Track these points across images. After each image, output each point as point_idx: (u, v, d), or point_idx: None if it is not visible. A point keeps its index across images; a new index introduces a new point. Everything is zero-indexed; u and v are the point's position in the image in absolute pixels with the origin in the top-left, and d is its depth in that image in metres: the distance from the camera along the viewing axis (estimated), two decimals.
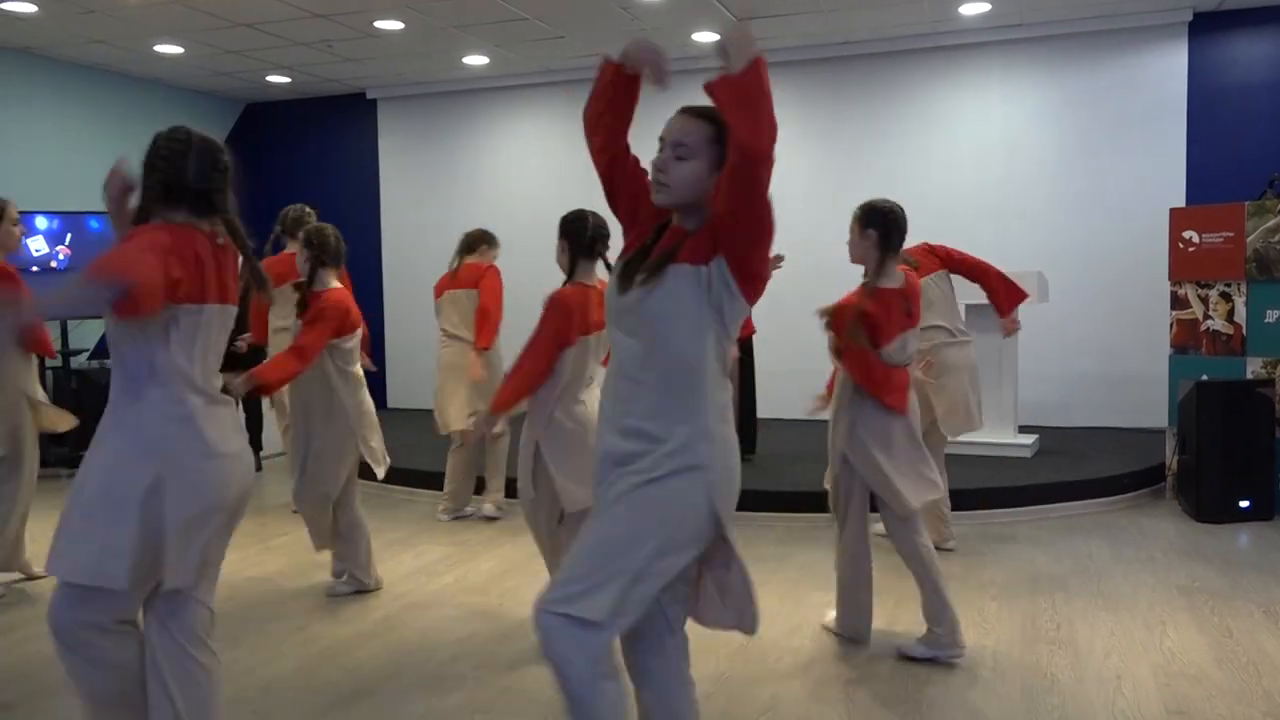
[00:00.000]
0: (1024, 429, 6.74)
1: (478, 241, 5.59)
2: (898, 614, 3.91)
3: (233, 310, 2.42)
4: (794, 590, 4.23)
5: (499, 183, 9.15)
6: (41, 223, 7.11)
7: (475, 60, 8.31)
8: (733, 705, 3.11)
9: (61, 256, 7.14)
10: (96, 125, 8.29)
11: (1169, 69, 7.36)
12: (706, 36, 7.61)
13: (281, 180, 9.75)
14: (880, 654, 3.50)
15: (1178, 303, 5.99)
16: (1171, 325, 6.01)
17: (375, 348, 8.99)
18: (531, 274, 8.98)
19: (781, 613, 3.94)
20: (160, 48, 7.64)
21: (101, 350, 8.08)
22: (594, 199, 9.55)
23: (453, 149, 9.32)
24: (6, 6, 6.50)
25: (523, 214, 9.04)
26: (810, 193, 7.96)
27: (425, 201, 9.42)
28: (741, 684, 3.28)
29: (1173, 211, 6.08)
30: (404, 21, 7.11)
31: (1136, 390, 7.34)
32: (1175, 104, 7.36)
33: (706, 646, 3.55)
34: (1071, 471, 5.83)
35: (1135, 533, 5.12)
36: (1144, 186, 7.41)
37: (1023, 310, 6.65)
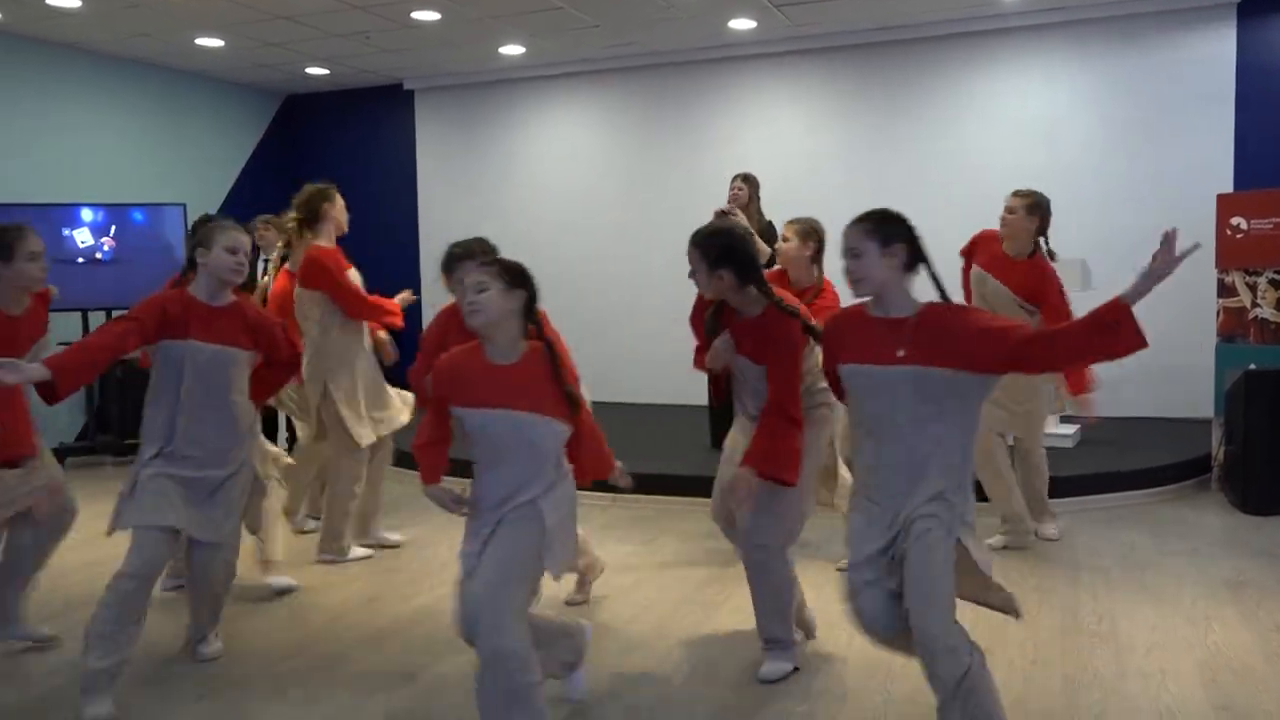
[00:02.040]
0: (1066, 419, 6.64)
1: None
2: None
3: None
4: (828, 584, 4.21)
5: (535, 172, 9.16)
6: (87, 215, 7.22)
7: (511, 50, 8.32)
8: (767, 698, 3.10)
9: (106, 248, 7.25)
10: (140, 118, 8.40)
11: (1217, 52, 7.20)
12: (743, 24, 7.56)
13: (320, 171, 9.80)
14: None
15: (1225, 290, 5.88)
16: (1218, 313, 5.90)
17: (414, 337, 9.05)
18: (565, 263, 9.03)
19: (816, 605, 3.92)
20: (201, 40, 7.73)
21: None
22: (630, 187, 9.48)
23: (489, 139, 9.35)
24: (53, 2, 6.60)
25: (559, 203, 9.06)
26: (848, 180, 7.89)
27: (462, 191, 9.46)
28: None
29: (1220, 197, 5.96)
30: (440, 12, 7.14)
31: (1182, 380, 7.21)
32: (1223, 88, 7.19)
33: (739, 639, 3.55)
34: (1114, 462, 5.75)
35: (1179, 525, 5.03)
36: (1190, 172, 7.26)
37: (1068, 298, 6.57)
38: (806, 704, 3.05)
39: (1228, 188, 7.00)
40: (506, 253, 8.68)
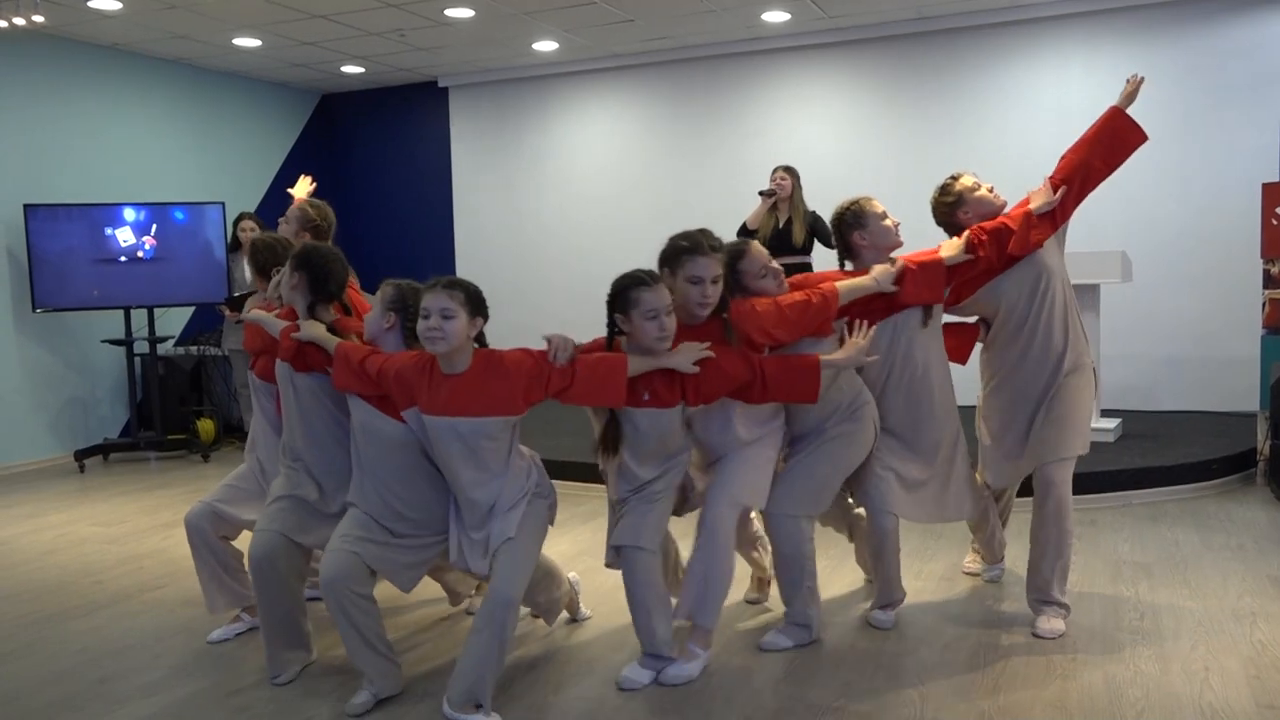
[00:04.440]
0: (1107, 413, 6.56)
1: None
2: (963, 594, 3.84)
3: None
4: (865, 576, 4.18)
5: (569, 167, 9.18)
6: (129, 214, 7.34)
7: (545, 46, 8.34)
8: (804, 688, 3.09)
9: (148, 247, 7.37)
10: (179, 119, 8.52)
11: (1264, 38, 7.06)
12: (776, 16, 7.52)
13: (357, 169, 9.93)
14: (956, 640, 3.45)
15: (1271, 281, 5.78)
16: (1264, 305, 5.80)
17: None
18: (600, 258, 9.03)
19: (855, 597, 3.90)
20: (239, 41, 7.82)
21: (186, 337, 8.33)
22: (664, 181, 9.44)
23: (524, 135, 9.38)
24: (93, 4, 6.70)
25: (593, 198, 9.07)
26: (890, 169, 7.83)
27: (497, 187, 9.51)
28: (813, 668, 3.26)
29: (1265, 186, 5.85)
30: (474, 9, 7.16)
31: (1226, 373, 7.09)
32: (1270, 74, 7.05)
33: (760, 629, 3.53)
34: (1157, 457, 5.66)
35: (1224, 520, 4.95)
36: (1235, 161, 7.13)
37: (1107, 290, 6.48)
38: (842, 699, 3.03)
39: (1273, 176, 6.86)
40: (540, 248, 8.77)
